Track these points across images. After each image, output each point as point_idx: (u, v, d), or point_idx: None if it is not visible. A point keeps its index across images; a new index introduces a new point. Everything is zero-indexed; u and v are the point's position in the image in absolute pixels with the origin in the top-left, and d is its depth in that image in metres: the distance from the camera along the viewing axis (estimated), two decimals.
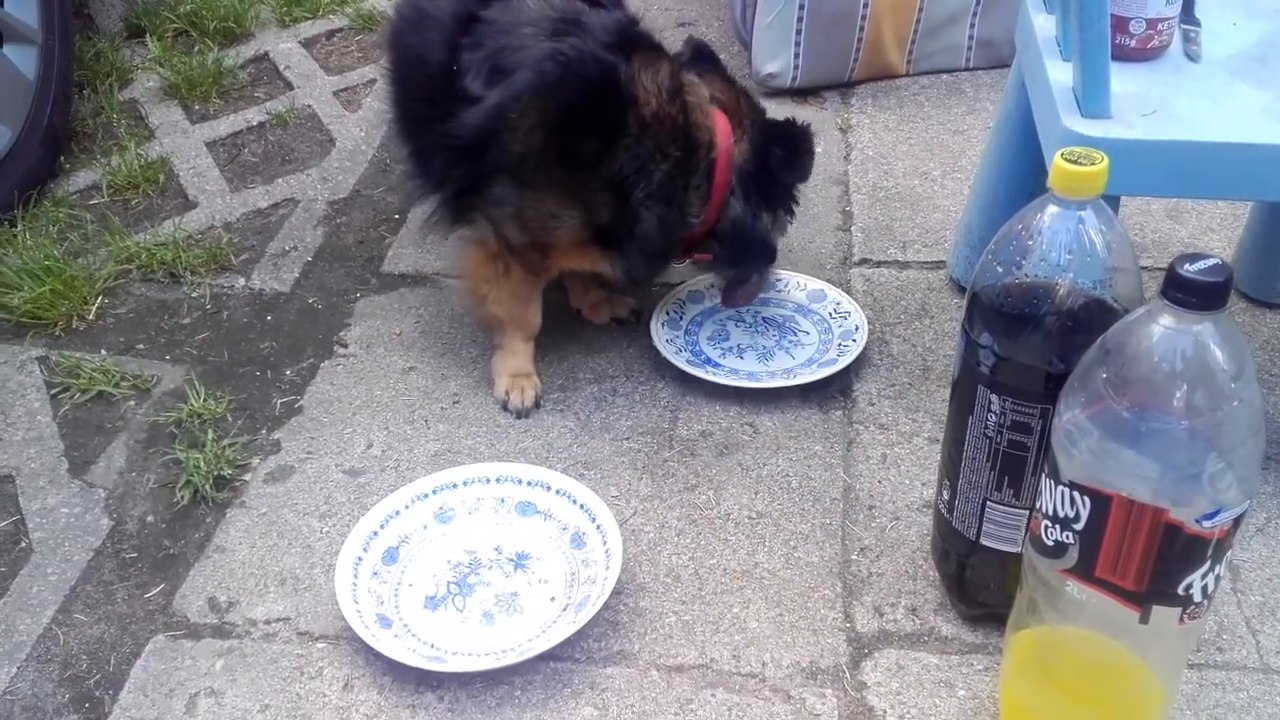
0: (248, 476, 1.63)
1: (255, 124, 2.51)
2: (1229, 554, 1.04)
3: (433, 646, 1.36)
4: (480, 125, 1.59)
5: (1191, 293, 0.92)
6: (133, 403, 1.78)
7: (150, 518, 1.58)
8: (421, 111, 1.72)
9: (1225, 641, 1.35)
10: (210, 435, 1.68)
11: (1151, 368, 0.95)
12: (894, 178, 2.25)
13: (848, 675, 1.33)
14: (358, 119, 2.53)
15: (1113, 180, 1.09)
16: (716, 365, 1.78)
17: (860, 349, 1.76)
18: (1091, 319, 1.08)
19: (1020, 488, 1.20)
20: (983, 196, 1.84)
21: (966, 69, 2.59)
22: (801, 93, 2.52)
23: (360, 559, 1.44)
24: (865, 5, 2.43)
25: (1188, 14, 1.50)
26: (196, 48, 2.72)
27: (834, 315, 1.86)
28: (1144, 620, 1.04)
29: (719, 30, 2.82)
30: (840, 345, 1.79)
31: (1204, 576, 1.01)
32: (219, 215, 2.22)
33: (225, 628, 1.42)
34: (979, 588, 1.34)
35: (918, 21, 2.50)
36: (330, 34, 2.87)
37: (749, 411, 1.71)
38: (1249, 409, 0.95)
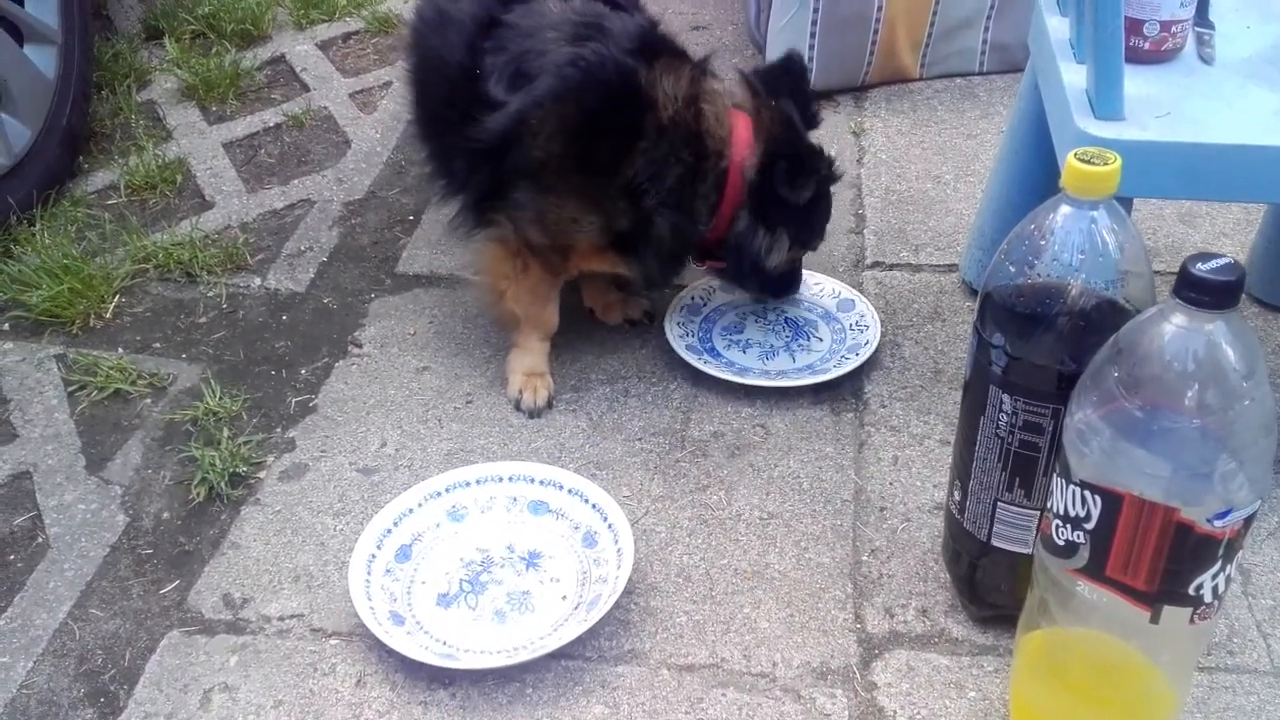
0: (262, 474, 1.65)
1: (272, 125, 2.53)
2: (1240, 554, 1.04)
3: (445, 644, 1.36)
4: (502, 130, 1.59)
5: (1204, 291, 0.92)
6: (149, 401, 1.79)
7: (166, 514, 1.59)
8: (443, 114, 1.73)
9: (1236, 645, 1.35)
10: (225, 433, 1.69)
11: (1163, 367, 0.96)
12: (907, 181, 2.25)
13: (858, 676, 1.33)
14: (373, 121, 2.54)
15: (1125, 182, 1.09)
16: (717, 354, 1.81)
17: (851, 367, 1.74)
18: (1103, 319, 1.08)
19: (1031, 488, 1.20)
20: (995, 199, 1.84)
21: (980, 73, 2.59)
22: (815, 96, 2.52)
23: (374, 556, 1.45)
24: (879, 9, 2.43)
25: (1202, 17, 1.50)
26: (214, 49, 2.75)
27: (854, 328, 1.85)
28: (1154, 620, 1.04)
29: (733, 33, 2.82)
30: (841, 357, 1.78)
31: (1215, 577, 1.01)
32: (235, 215, 2.23)
33: (239, 624, 1.43)
34: (990, 589, 1.34)
35: (932, 25, 2.50)
36: (347, 36, 2.88)
37: (761, 413, 1.71)
38: (1261, 408, 0.95)
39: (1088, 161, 1.07)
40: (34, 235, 2.09)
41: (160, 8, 2.88)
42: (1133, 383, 0.98)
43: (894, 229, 2.11)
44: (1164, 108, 1.36)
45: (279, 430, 1.73)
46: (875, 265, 2.02)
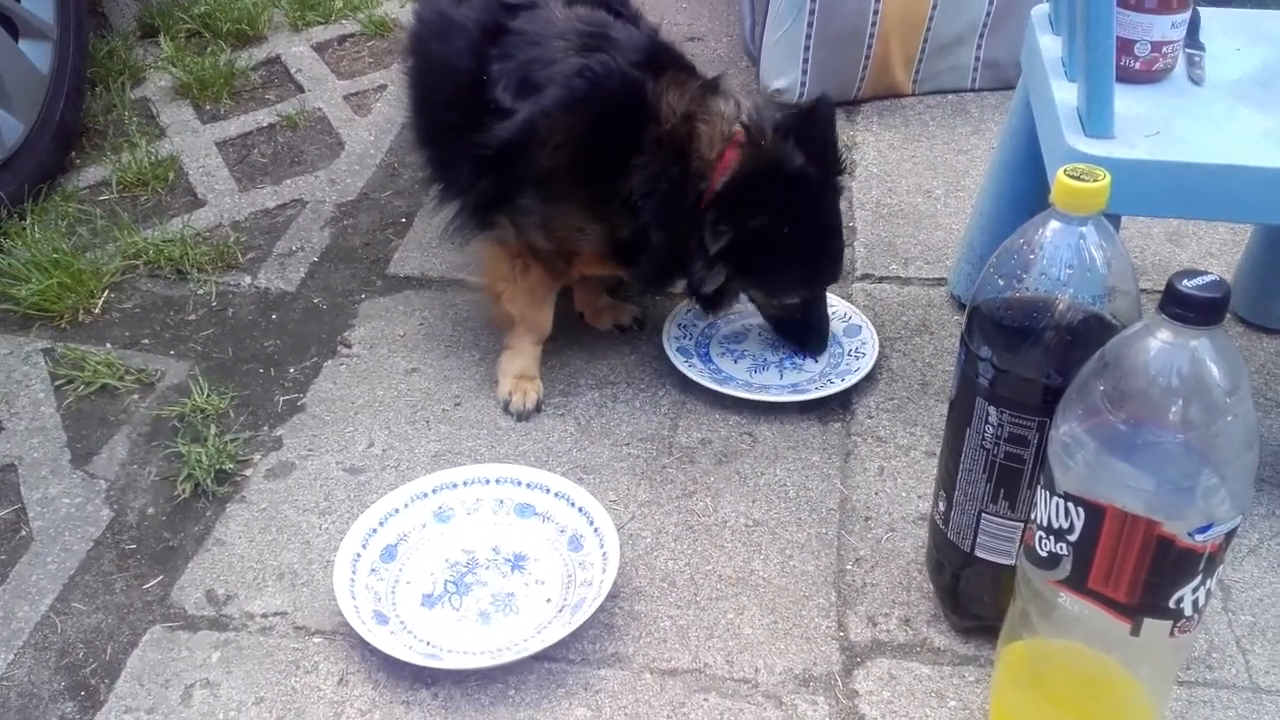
0: (248, 472, 1.65)
1: (265, 125, 2.53)
2: (1220, 569, 1.05)
3: (429, 644, 1.36)
4: (510, 138, 1.59)
5: (1189, 308, 0.93)
6: (136, 396, 1.79)
7: (150, 510, 1.59)
8: (446, 119, 1.73)
9: (1215, 660, 1.36)
10: (212, 430, 1.69)
11: (1148, 381, 0.97)
12: (897, 195, 2.26)
13: (840, 683, 1.34)
14: (367, 123, 2.54)
15: (1114, 199, 1.10)
16: (709, 360, 1.82)
17: (831, 391, 1.73)
18: (1090, 334, 1.10)
19: (1016, 500, 1.21)
20: (985, 215, 1.86)
21: (972, 90, 2.61)
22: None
23: (359, 555, 1.45)
24: (873, 24, 2.45)
25: (1192, 38, 1.52)
26: (209, 48, 2.75)
27: (852, 354, 1.83)
28: (1135, 632, 1.05)
29: (728, 45, 2.84)
30: (828, 380, 1.77)
31: (1195, 590, 1.02)
32: (227, 214, 2.23)
33: (222, 620, 1.42)
34: (972, 600, 1.35)
35: (925, 41, 2.52)
36: (342, 39, 2.89)
37: (748, 421, 1.72)
38: (1243, 424, 0.96)
39: (1077, 178, 1.08)
40: (24, 229, 2.09)
41: (156, 6, 2.88)
42: (1118, 397, 0.99)
43: (884, 242, 2.12)
44: (1153, 127, 1.38)
45: (266, 428, 1.73)
46: (865, 277, 2.03)
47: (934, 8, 2.46)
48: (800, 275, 1.71)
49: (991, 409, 1.18)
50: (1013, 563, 1.22)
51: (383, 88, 2.67)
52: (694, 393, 1.76)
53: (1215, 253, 2.07)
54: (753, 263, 1.64)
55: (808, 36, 2.44)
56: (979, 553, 1.28)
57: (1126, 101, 1.39)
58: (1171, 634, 1.05)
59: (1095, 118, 1.34)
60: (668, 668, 1.36)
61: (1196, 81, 1.48)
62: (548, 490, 1.54)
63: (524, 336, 1.77)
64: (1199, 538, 0.98)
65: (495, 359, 1.81)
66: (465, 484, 1.56)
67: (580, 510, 1.51)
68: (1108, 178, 1.08)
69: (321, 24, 2.92)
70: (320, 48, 2.84)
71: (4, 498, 1.61)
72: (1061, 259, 1.10)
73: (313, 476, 1.64)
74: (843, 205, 2.18)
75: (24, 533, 1.55)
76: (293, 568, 1.49)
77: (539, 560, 1.48)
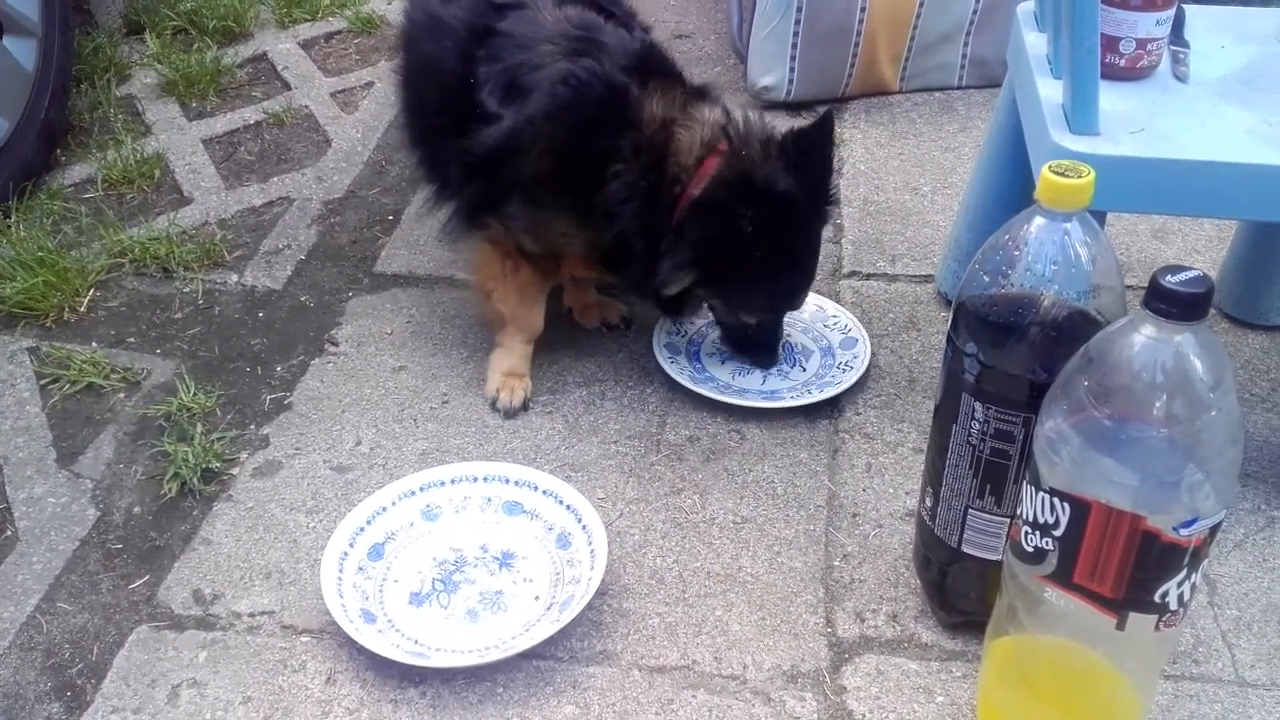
0: (235, 471, 1.64)
1: (252, 123, 2.52)
2: (1205, 563, 1.05)
3: (416, 642, 1.36)
4: (495, 146, 1.59)
5: (1173, 303, 0.93)
6: (122, 395, 1.78)
7: (137, 509, 1.59)
8: (434, 121, 1.72)
9: (1201, 654, 1.36)
10: (199, 429, 1.69)
11: (1132, 376, 0.97)
12: (885, 192, 2.27)
13: (828, 679, 1.34)
14: (354, 120, 2.54)
15: (1099, 196, 1.11)
16: (696, 359, 1.82)
17: (807, 401, 1.71)
18: (1075, 330, 1.10)
19: (1002, 495, 1.22)
20: (972, 211, 1.86)
21: (959, 87, 2.61)
22: (796, 107, 2.54)
23: (346, 554, 1.45)
24: (861, 22, 2.45)
25: (1177, 36, 1.53)
26: (195, 46, 2.74)
27: (841, 366, 1.81)
28: (1120, 627, 1.06)
29: (716, 43, 2.84)
30: (807, 390, 1.75)
31: (1180, 585, 1.03)
32: (213, 212, 2.23)
33: (209, 620, 1.42)
34: (959, 595, 1.35)
35: (912, 39, 2.52)
36: (329, 36, 2.88)
37: (736, 418, 1.72)
38: (1227, 419, 0.96)
39: (1062, 174, 1.08)
40: (9, 227, 2.08)
41: (142, 3, 2.87)
42: (1102, 392, 1.00)
43: (871, 239, 2.12)
44: (1138, 124, 1.38)
45: (253, 427, 1.72)
46: (852, 274, 2.04)
47: (921, 5, 2.47)
48: (764, 297, 1.69)
49: (977, 405, 1.18)
50: (999, 558, 1.22)
51: (370, 85, 2.67)
52: (682, 391, 1.76)
53: (1200, 249, 2.08)
54: (718, 274, 1.61)
55: (795, 34, 2.44)
56: (966, 548, 1.28)
57: (1111, 98, 1.39)
58: (1157, 628, 1.06)
59: (1080, 114, 1.35)
60: (656, 665, 1.36)
61: (1181, 79, 1.49)
62: (536, 488, 1.54)
63: (515, 335, 1.77)
64: (1184, 532, 0.99)
65: (484, 357, 1.81)
66: (453, 482, 1.56)
67: (568, 508, 1.51)
68: (1092, 174, 1.08)
69: (308, 21, 2.91)
70: (307, 45, 2.83)
71: None
72: (1046, 255, 1.11)
73: (300, 475, 1.63)
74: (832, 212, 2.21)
75: (9, 533, 1.54)
76: (280, 567, 1.49)
77: (527, 558, 1.48)
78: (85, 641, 1.40)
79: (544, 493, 1.53)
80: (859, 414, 1.73)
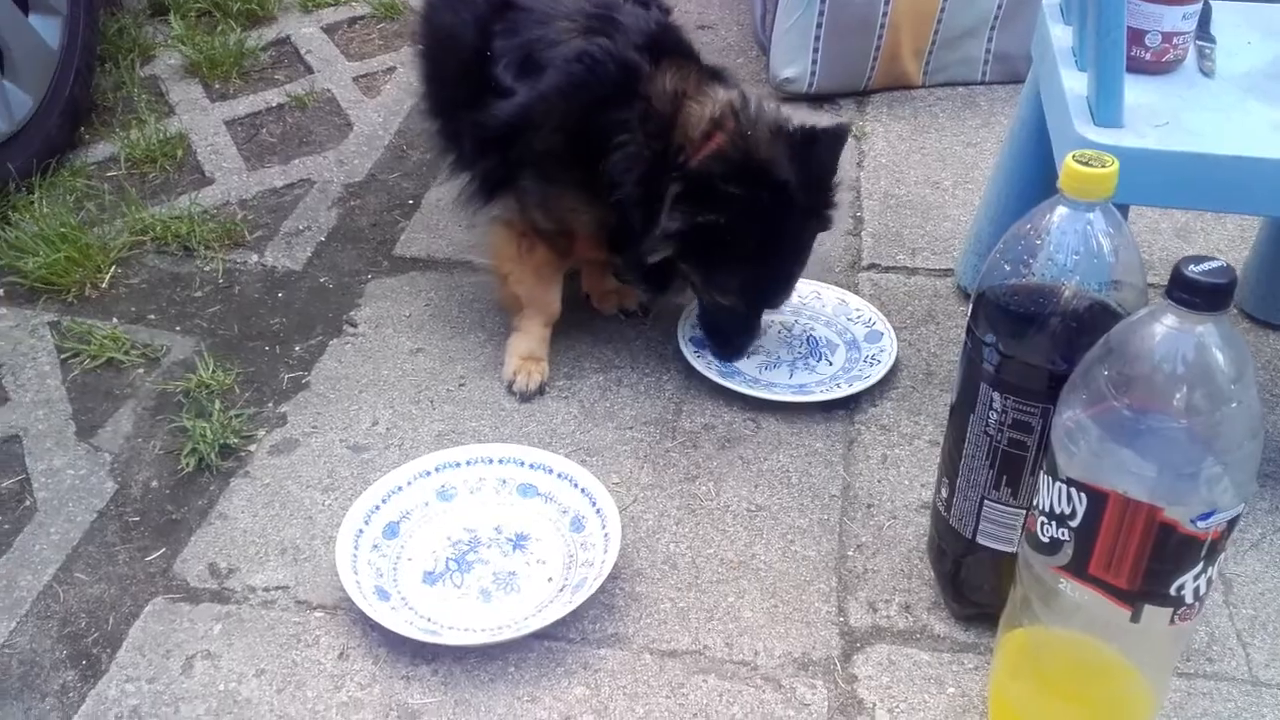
0: (253, 447, 1.65)
1: (274, 105, 2.53)
2: (1222, 558, 1.05)
3: (429, 620, 1.37)
4: (508, 121, 1.60)
5: (1195, 293, 0.93)
6: (141, 371, 1.79)
7: (154, 483, 1.60)
8: (452, 93, 1.74)
9: (1215, 652, 1.36)
10: (217, 406, 1.69)
11: (1153, 367, 0.97)
12: (906, 186, 2.26)
13: (839, 668, 1.34)
14: (376, 105, 2.54)
15: (1122, 189, 1.10)
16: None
17: (836, 396, 1.71)
18: (1095, 321, 1.09)
19: (1018, 487, 1.21)
20: (992, 206, 1.85)
21: (982, 82, 2.60)
22: (817, 99, 2.54)
23: (361, 531, 1.46)
24: (884, 15, 2.44)
25: (1203, 30, 1.52)
26: (219, 28, 2.75)
27: (869, 360, 1.79)
28: (1135, 619, 1.05)
29: (739, 34, 2.83)
30: (836, 385, 1.74)
31: (1196, 578, 1.02)
32: (235, 192, 2.24)
33: (224, 593, 1.43)
34: (973, 587, 1.35)
35: (936, 33, 2.51)
36: (352, 21, 2.89)
37: (752, 407, 1.72)
38: (1247, 412, 0.96)
39: (1086, 164, 1.08)
40: (32, 203, 2.09)
41: None
42: (1122, 382, 0.99)
43: (891, 232, 2.12)
44: (1163, 117, 1.38)
45: (271, 405, 1.73)
46: (871, 267, 2.03)
47: None
48: (739, 281, 1.65)
49: (996, 395, 1.18)
50: (1014, 550, 1.22)
51: (392, 70, 2.67)
52: (699, 378, 1.76)
53: (1222, 249, 2.07)
54: (701, 249, 1.58)
55: (818, 26, 2.44)
56: (981, 539, 1.28)
57: (1136, 92, 1.39)
58: (1172, 622, 1.05)
59: (1105, 106, 1.34)
60: (667, 649, 1.36)
61: (1207, 74, 1.48)
62: (550, 471, 1.54)
63: (532, 318, 1.77)
64: (1201, 525, 0.98)
65: (501, 341, 1.81)
66: (468, 463, 1.56)
67: (583, 491, 1.51)
68: (1116, 164, 1.07)
69: (331, 5, 2.92)
70: (330, 29, 2.84)
71: (8, 468, 1.61)
72: (1068, 245, 1.10)
73: (317, 453, 1.64)
74: (850, 195, 2.21)
75: (28, 503, 1.56)
76: (295, 543, 1.50)
77: (541, 540, 1.48)
78: (101, 611, 1.41)
79: (559, 476, 1.54)
80: (875, 406, 1.72)
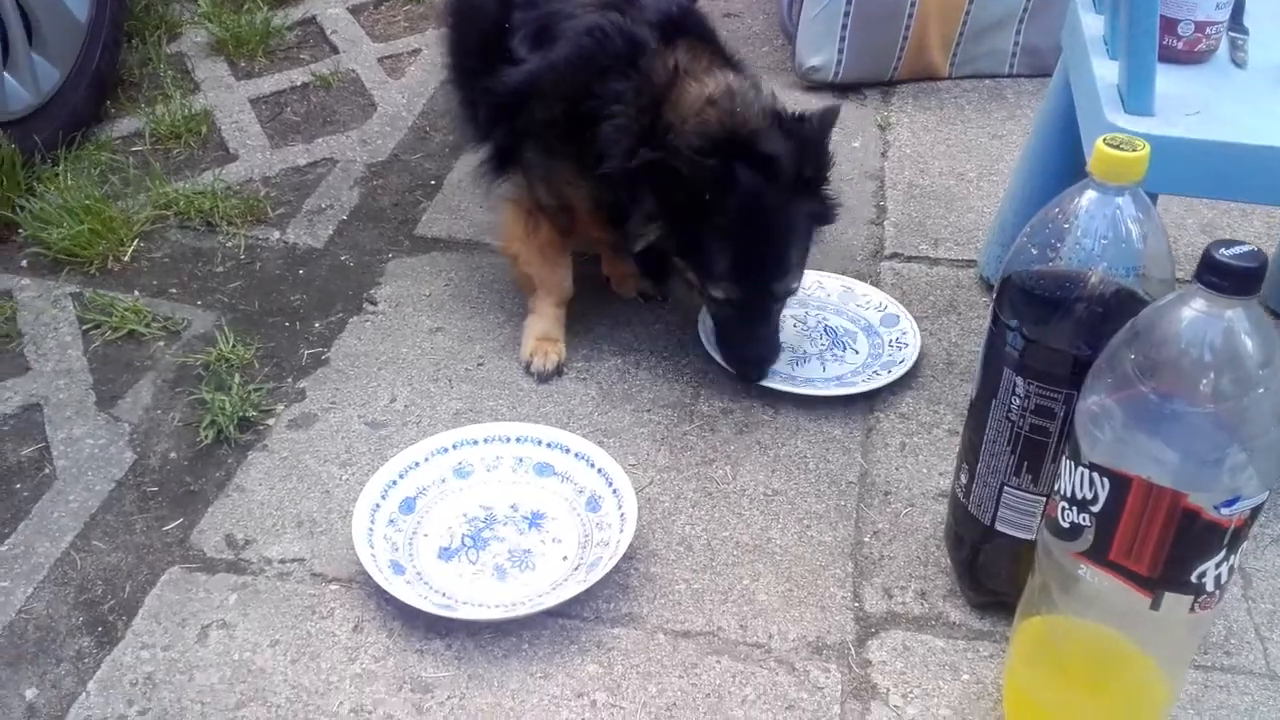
0: (271, 421, 1.65)
1: (299, 84, 2.54)
2: (1243, 547, 1.04)
3: (444, 595, 1.37)
4: (516, 88, 1.62)
5: (1226, 276, 0.92)
6: (162, 343, 1.80)
7: (173, 454, 1.60)
8: (472, 64, 1.76)
9: (1233, 646, 1.35)
10: (237, 379, 1.70)
11: (1180, 351, 0.96)
12: (930, 176, 2.25)
13: (853, 652, 1.33)
14: (400, 86, 2.54)
15: (1152, 178, 1.09)
16: None
17: (880, 384, 1.69)
18: (1122, 307, 1.08)
19: (1039, 473, 1.20)
20: (1017, 197, 1.84)
21: (1010, 75, 2.59)
22: (843, 88, 2.53)
23: (378, 506, 1.46)
24: (912, 5, 2.43)
25: (1236, 21, 1.50)
26: (246, 6, 2.75)
27: (893, 344, 1.78)
28: (1155, 606, 1.04)
29: (765, 22, 2.82)
30: (873, 373, 1.73)
31: (1218, 566, 1.01)
32: (258, 169, 2.24)
33: (241, 564, 1.43)
34: (990, 575, 1.34)
35: (964, 24, 2.50)
36: (378, 2, 2.89)
37: (770, 392, 1.71)
38: (1275, 398, 0.95)
39: (1117, 147, 1.07)
40: (57, 175, 2.11)
41: None
42: (1149, 366, 0.98)
43: (914, 222, 2.11)
44: (1194, 107, 1.36)
45: (290, 380, 1.73)
46: (893, 256, 2.02)
47: None
48: (732, 263, 1.55)
49: (1019, 380, 1.17)
50: (1032, 538, 1.21)
51: (417, 52, 2.68)
52: (717, 363, 1.75)
53: None
54: (684, 230, 1.53)
55: (845, 15, 2.43)
56: (999, 526, 1.27)
57: (1167, 81, 1.37)
58: (1192, 610, 1.04)
59: (1136, 94, 1.33)
60: (681, 629, 1.36)
61: (1239, 64, 1.47)
62: (567, 450, 1.54)
63: (545, 299, 1.78)
64: (1225, 511, 0.97)
65: (520, 321, 1.81)
66: (486, 441, 1.56)
67: (599, 471, 1.51)
68: (1147, 148, 1.06)
69: None
70: (356, 10, 2.84)
71: (29, 436, 1.62)
72: (1096, 230, 1.09)
73: (334, 429, 1.64)
74: (874, 185, 2.20)
75: (47, 470, 1.56)
76: (312, 516, 1.50)
77: (556, 519, 1.48)
78: (118, 579, 1.42)
79: (576, 455, 1.53)
80: (894, 393, 1.72)
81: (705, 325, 1.78)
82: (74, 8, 2.22)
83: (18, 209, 2.00)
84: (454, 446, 1.55)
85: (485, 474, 1.54)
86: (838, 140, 2.28)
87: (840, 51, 2.47)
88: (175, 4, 2.77)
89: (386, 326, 1.85)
